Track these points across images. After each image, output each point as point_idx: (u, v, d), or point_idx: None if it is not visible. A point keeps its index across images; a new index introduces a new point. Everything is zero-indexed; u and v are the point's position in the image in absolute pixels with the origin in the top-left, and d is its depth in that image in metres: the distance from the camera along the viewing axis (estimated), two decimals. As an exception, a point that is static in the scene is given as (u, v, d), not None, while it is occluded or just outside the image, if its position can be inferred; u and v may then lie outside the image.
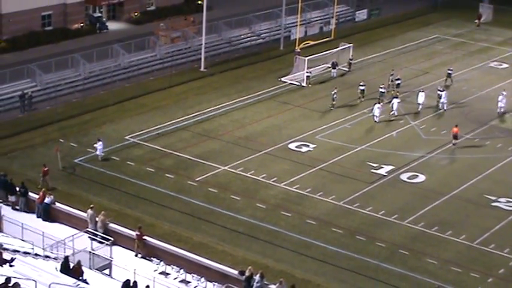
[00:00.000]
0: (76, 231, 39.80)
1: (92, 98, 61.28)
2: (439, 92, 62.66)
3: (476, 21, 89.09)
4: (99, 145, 50.60)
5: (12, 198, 43.15)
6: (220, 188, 48.10)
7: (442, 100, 62.04)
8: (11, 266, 32.00)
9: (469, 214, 47.03)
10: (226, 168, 50.65)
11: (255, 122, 58.50)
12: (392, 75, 66.27)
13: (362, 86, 63.58)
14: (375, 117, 59.28)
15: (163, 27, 73.79)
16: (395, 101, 60.30)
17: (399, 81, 65.39)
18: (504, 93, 62.49)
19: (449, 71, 68.72)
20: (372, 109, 59.76)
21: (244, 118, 59.06)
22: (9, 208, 42.73)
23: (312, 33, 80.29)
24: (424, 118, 60.68)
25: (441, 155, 54.48)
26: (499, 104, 61.52)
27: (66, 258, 35.14)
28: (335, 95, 61.55)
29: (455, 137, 55.98)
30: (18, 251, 35.82)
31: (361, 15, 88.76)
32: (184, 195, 46.98)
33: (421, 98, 61.82)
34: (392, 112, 59.88)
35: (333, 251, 42.17)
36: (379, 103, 59.82)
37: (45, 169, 46.51)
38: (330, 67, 69.01)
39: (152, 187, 47.74)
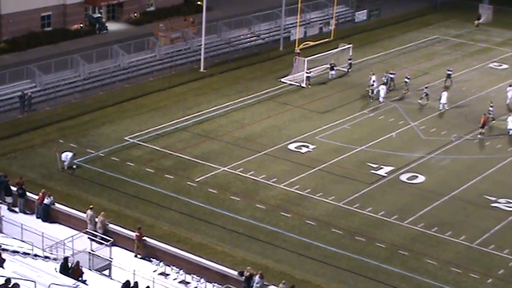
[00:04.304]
0: (75, 232, 39.82)
1: (92, 98, 61.27)
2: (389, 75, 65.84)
3: (476, 21, 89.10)
4: (64, 156, 49.13)
5: (9, 199, 43.10)
6: (220, 189, 48.08)
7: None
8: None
9: (468, 215, 47.02)
10: (225, 168, 50.63)
11: (255, 122, 58.49)
12: (391, 73, 66.45)
13: (392, 74, 66.07)
14: (380, 98, 62.72)
15: (162, 28, 73.75)
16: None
17: (393, 76, 66.45)
18: None
19: (449, 72, 68.73)
20: (378, 91, 62.59)
21: (243, 119, 59.04)
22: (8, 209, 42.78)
23: (312, 34, 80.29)
24: (424, 119, 60.68)
25: (441, 155, 54.48)
26: (509, 126, 58.24)
27: (66, 259, 35.13)
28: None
29: (483, 125, 56.83)
30: (17, 252, 35.83)
31: (361, 15, 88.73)
32: (183, 196, 46.96)
33: (443, 98, 62.32)
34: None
35: (333, 251, 42.15)
36: (384, 85, 63.38)
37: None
38: (328, 68, 68.98)
39: (152, 188, 47.72)
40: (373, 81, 63.98)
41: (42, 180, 47.46)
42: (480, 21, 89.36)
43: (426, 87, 63.93)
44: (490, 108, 60.08)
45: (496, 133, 58.50)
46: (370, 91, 63.84)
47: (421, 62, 75.01)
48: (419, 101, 63.49)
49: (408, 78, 65.77)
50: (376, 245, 43.03)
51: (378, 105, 62.47)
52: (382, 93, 62.99)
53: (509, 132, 57.88)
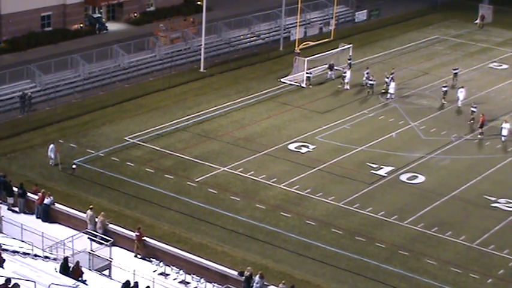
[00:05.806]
0: (75, 232, 39.79)
1: (92, 98, 61.28)
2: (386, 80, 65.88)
3: (478, 21, 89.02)
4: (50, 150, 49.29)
5: (10, 200, 43.08)
6: (220, 189, 48.08)
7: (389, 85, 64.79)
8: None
9: (468, 215, 47.02)
10: (225, 169, 50.63)
11: (255, 122, 58.50)
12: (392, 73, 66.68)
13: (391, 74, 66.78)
14: (391, 95, 63.96)
15: (162, 28, 73.76)
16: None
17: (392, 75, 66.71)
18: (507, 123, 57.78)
19: (455, 71, 68.73)
20: (388, 85, 64.48)
21: (243, 119, 59.05)
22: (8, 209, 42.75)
23: (312, 34, 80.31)
24: (424, 119, 60.68)
25: (441, 155, 54.48)
26: (503, 132, 57.26)
27: (66, 259, 35.12)
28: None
29: (482, 125, 57.11)
30: (17, 252, 35.82)
31: (361, 15, 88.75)
32: (183, 196, 46.97)
33: (461, 94, 62.97)
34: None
35: (333, 251, 42.16)
36: (393, 80, 65.19)
37: None
38: (327, 68, 69.00)
39: (152, 188, 47.73)
40: (345, 77, 66.14)
41: (42, 180, 47.47)
42: (483, 21, 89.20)
43: (445, 87, 64.10)
44: (473, 109, 60.13)
45: (496, 133, 58.46)
46: (367, 87, 65.20)
47: (421, 62, 75.02)
48: (443, 102, 63.59)
49: (387, 77, 65.92)
50: (376, 245, 43.03)
51: (377, 105, 62.50)
52: (391, 90, 63.72)
53: (502, 138, 57.66)
